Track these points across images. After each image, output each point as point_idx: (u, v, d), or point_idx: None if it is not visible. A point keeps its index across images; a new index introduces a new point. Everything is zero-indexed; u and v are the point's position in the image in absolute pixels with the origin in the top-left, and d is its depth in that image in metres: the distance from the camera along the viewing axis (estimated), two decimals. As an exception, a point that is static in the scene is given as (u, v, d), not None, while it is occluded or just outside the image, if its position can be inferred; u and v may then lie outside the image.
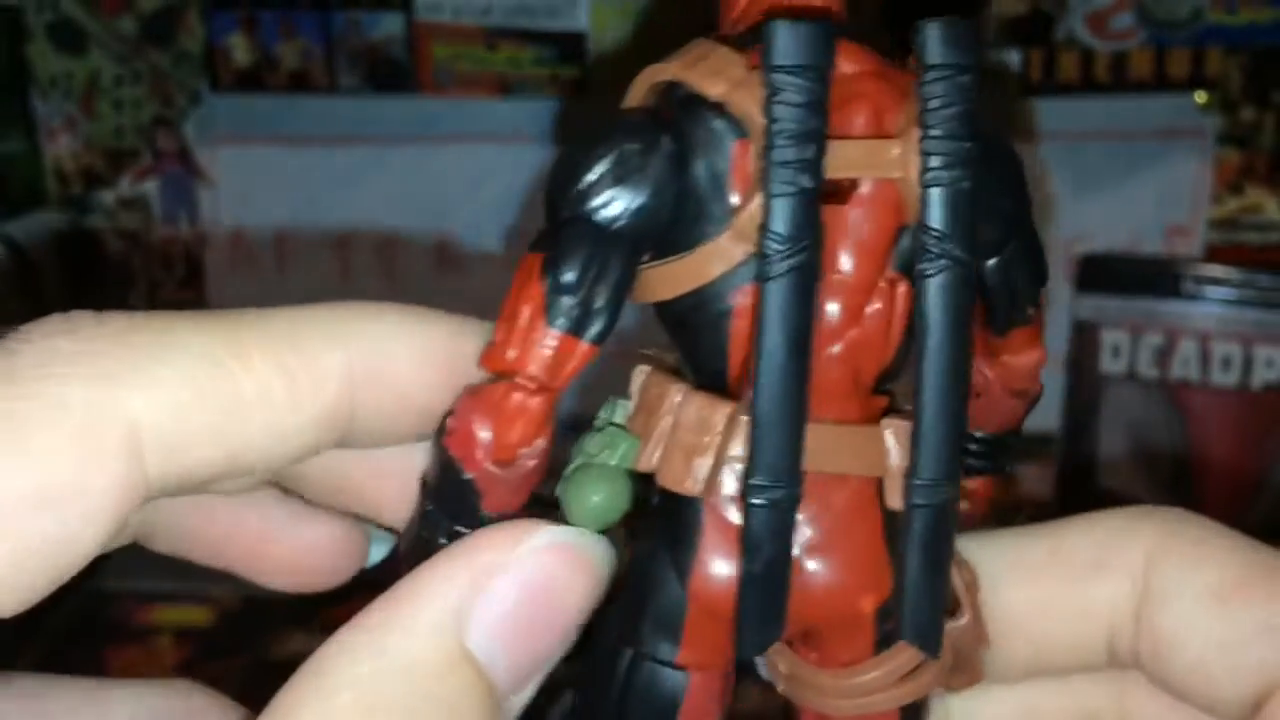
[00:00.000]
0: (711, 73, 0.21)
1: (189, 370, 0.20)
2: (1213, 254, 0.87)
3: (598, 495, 0.23)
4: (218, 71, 0.89)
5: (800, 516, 0.22)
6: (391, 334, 0.23)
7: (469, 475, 0.22)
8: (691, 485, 0.22)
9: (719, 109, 0.21)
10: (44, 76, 0.89)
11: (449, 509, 0.23)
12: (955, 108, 0.21)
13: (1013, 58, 0.86)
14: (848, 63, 0.22)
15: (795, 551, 0.22)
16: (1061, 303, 0.87)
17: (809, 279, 0.21)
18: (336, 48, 0.89)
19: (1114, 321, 0.85)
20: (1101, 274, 0.85)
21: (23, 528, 0.18)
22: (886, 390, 0.23)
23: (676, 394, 0.22)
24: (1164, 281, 0.83)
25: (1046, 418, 0.89)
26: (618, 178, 0.21)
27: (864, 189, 0.22)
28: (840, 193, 0.22)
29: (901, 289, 0.22)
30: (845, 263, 0.22)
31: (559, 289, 0.21)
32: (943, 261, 0.21)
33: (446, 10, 0.87)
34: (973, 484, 0.27)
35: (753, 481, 0.22)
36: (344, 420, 0.22)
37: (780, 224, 0.21)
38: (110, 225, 0.91)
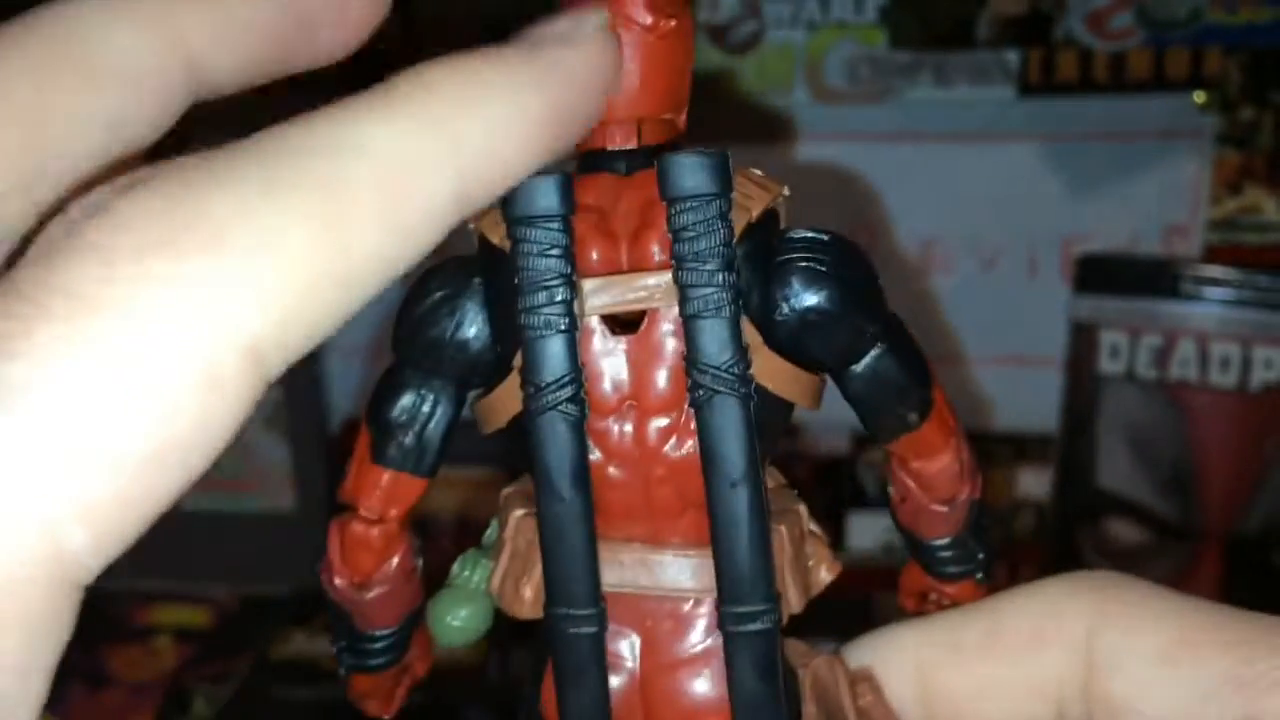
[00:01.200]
0: (493, 222, 0.22)
1: (296, 261, 0.17)
2: (1211, 254, 0.87)
3: (455, 617, 0.25)
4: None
5: (634, 639, 0.23)
6: (495, 122, 0.19)
7: (334, 599, 0.24)
8: (520, 608, 0.23)
9: (504, 256, 0.22)
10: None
11: (336, 625, 0.25)
12: (704, 238, 0.21)
13: (1011, 58, 0.86)
14: (645, 192, 0.22)
15: (630, 677, 0.23)
16: (1060, 303, 0.87)
17: (572, 416, 0.22)
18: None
19: (1112, 322, 0.85)
20: (1100, 274, 0.85)
21: (145, 484, 0.16)
22: None
23: (516, 517, 0.24)
24: (1163, 282, 0.83)
25: (1045, 418, 0.89)
26: (436, 321, 0.23)
27: (658, 316, 0.22)
28: (634, 321, 0.22)
29: None
30: (644, 388, 0.22)
31: (383, 430, 0.23)
32: (708, 391, 0.22)
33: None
34: (951, 590, 0.27)
35: (551, 611, 0.22)
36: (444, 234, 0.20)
37: (534, 367, 0.21)
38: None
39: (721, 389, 0.21)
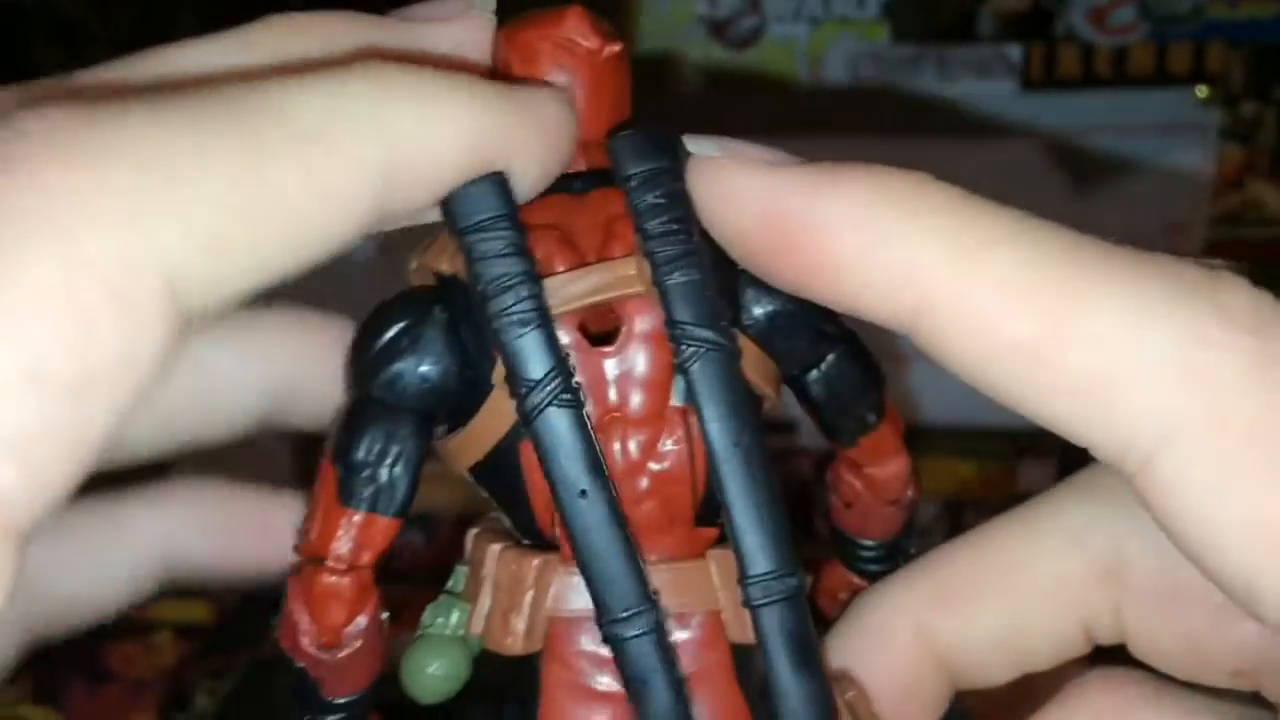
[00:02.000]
0: (438, 251, 0.22)
1: (217, 196, 0.17)
2: (1213, 249, 0.87)
3: (433, 667, 0.23)
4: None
5: None
6: (429, 113, 0.20)
7: (299, 665, 0.22)
8: (512, 644, 0.22)
9: (456, 280, 0.22)
10: (42, 74, 0.89)
11: (299, 700, 0.23)
12: (663, 206, 0.21)
13: (1013, 52, 0.85)
14: (605, 208, 0.22)
15: (622, 706, 0.22)
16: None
17: (571, 405, 0.21)
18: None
19: (1114, 317, 0.85)
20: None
21: (71, 414, 0.16)
22: (717, 522, 0.22)
23: (494, 551, 0.23)
24: (1165, 277, 0.83)
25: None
26: (397, 352, 0.22)
27: (633, 327, 0.22)
28: (607, 335, 0.22)
29: (695, 418, 0.22)
30: (625, 399, 0.22)
31: (349, 469, 0.22)
32: (694, 348, 0.21)
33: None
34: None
35: (609, 620, 0.21)
36: (373, 219, 0.20)
37: (519, 366, 0.21)
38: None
39: (706, 345, 0.21)
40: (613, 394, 0.22)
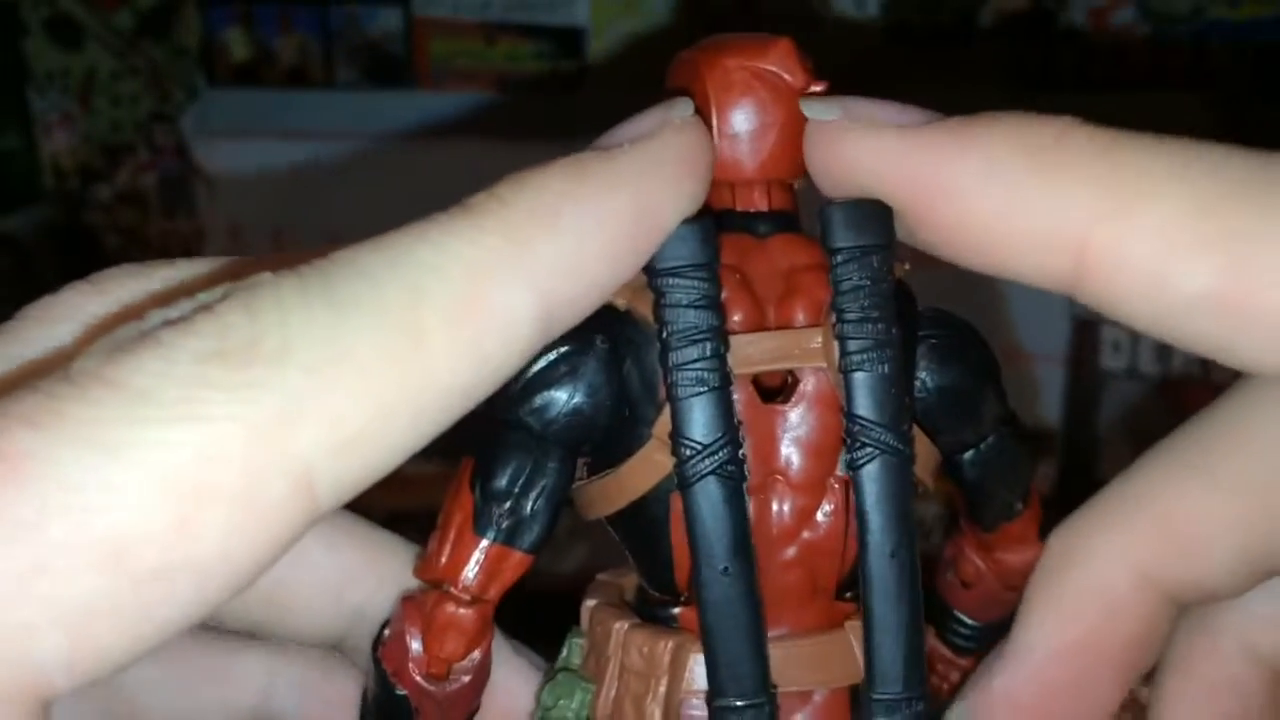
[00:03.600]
0: None
1: (367, 388, 0.16)
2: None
3: None
4: (215, 66, 0.89)
5: None
6: (577, 237, 0.18)
7: (402, 692, 0.21)
8: None
9: (628, 316, 0.21)
10: (41, 72, 0.89)
11: None
12: (868, 289, 0.20)
13: (1012, 53, 0.85)
14: (787, 256, 0.21)
15: None
16: (1062, 299, 0.86)
17: (733, 479, 0.20)
18: (334, 42, 0.88)
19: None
20: (1102, 270, 0.85)
21: (143, 600, 0.15)
22: (853, 596, 0.21)
23: (620, 630, 0.21)
24: (1165, 277, 0.83)
25: (1048, 413, 0.88)
26: (553, 379, 0.21)
27: (806, 386, 0.21)
28: (781, 390, 0.21)
29: (853, 492, 0.21)
30: (790, 463, 0.21)
31: (488, 497, 0.20)
32: (870, 450, 0.20)
33: (445, 5, 0.87)
34: (965, 664, 0.26)
35: (719, 704, 0.20)
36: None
37: (689, 426, 0.20)
38: (107, 221, 0.91)
39: (884, 449, 0.20)
40: (777, 454, 0.21)
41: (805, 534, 0.21)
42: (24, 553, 0.14)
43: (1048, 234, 0.18)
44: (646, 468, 0.21)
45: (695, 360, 0.20)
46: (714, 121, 0.21)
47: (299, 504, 0.15)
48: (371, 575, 0.23)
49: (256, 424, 0.15)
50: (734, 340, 0.20)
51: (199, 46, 0.89)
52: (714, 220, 0.20)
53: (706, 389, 0.20)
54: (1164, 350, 0.83)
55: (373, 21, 0.88)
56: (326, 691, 0.25)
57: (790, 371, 0.21)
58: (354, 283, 0.16)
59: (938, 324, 0.22)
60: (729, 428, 0.20)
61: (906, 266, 0.22)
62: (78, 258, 0.90)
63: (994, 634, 0.25)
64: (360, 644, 0.23)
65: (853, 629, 0.21)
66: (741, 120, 0.21)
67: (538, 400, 0.21)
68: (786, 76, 0.21)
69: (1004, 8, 0.85)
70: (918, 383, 0.22)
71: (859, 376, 0.20)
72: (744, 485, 0.20)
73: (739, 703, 0.20)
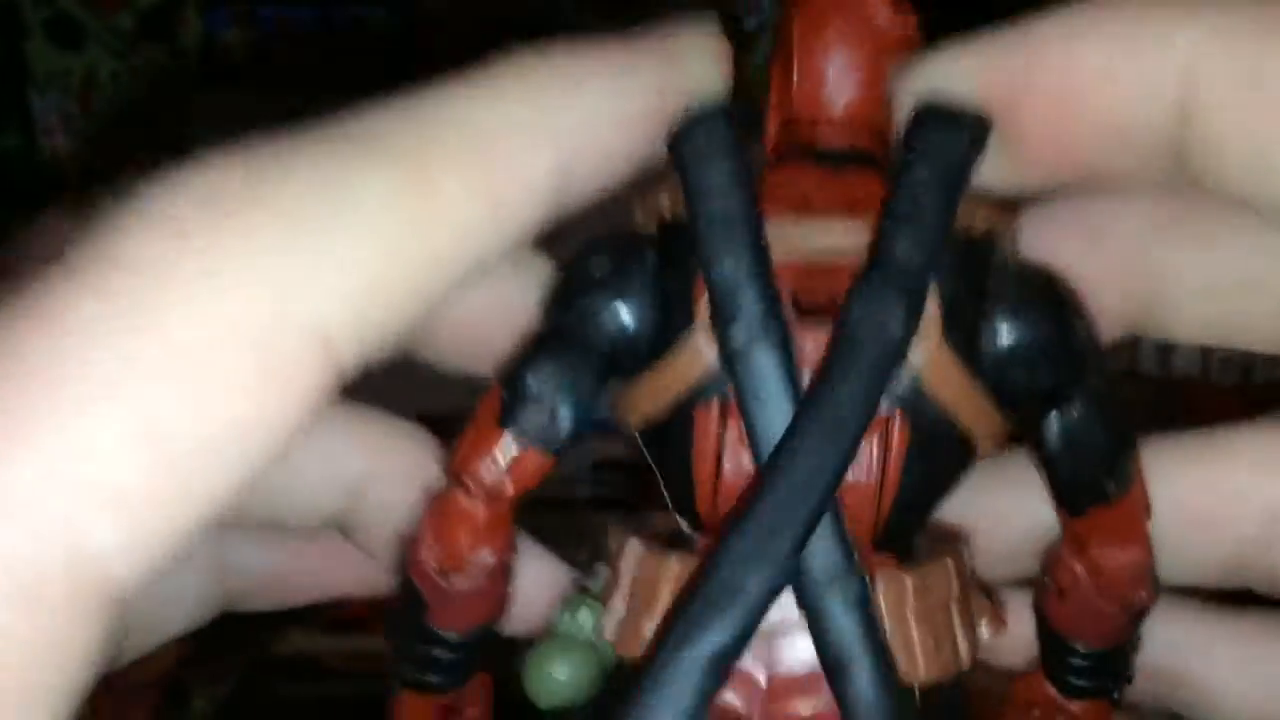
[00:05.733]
0: (662, 192, 0.20)
1: (377, 234, 0.16)
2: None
3: (559, 671, 0.21)
4: (214, 66, 0.89)
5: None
6: (596, 104, 0.18)
7: (414, 580, 0.21)
8: (638, 648, 0.20)
9: (675, 228, 0.20)
10: (41, 73, 0.89)
11: (404, 621, 0.21)
12: (933, 192, 0.18)
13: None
14: (863, 185, 0.20)
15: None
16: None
17: (783, 349, 0.18)
18: (335, 42, 0.88)
19: (1115, 318, 0.85)
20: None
21: (186, 476, 0.15)
22: (892, 549, 0.20)
23: (633, 550, 0.21)
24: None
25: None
26: (597, 286, 0.20)
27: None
28: (818, 311, 0.19)
29: (898, 428, 0.19)
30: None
31: (519, 396, 0.20)
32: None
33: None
34: (1075, 708, 0.23)
35: (808, 587, 0.19)
36: (547, 219, 0.18)
37: (728, 295, 0.18)
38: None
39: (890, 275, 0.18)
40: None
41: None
42: (56, 441, 0.14)
43: (1153, 73, 0.17)
44: (687, 361, 0.19)
45: (727, 237, 0.19)
46: (799, 58, 0.21)
47: (319, 359, 0.15)
48: (379, 458, 0.23)
49: (271, 288, 0.15)
50: (775, 224, 0.19)
51: (199, 47, 0.89)
52: (745, 115, 0.20)
53: (744, 260, 0.18)
54: (1164, 352, 0.83)
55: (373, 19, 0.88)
56: (287, 548, 0.25)
57: (832, 291, 0.19)
58: (360, 137, 0.16)
59: (1029, 278, 0.20)
60: (772, 295, 0.18)
61: (1018, 229, 0.21)
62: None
63: (1109, 669, 0.22)
64: (361, 524, 0.23)
65: (882, 579, 0.19)
66: (829, 59, 0.20)
67: (580, 306, 0.20)
68: (878, 21, 0.20)
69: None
70: (989, 341, 0.20)
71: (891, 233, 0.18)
72: (792, 355, 0.19)
73: (825, 578, 0.19)
